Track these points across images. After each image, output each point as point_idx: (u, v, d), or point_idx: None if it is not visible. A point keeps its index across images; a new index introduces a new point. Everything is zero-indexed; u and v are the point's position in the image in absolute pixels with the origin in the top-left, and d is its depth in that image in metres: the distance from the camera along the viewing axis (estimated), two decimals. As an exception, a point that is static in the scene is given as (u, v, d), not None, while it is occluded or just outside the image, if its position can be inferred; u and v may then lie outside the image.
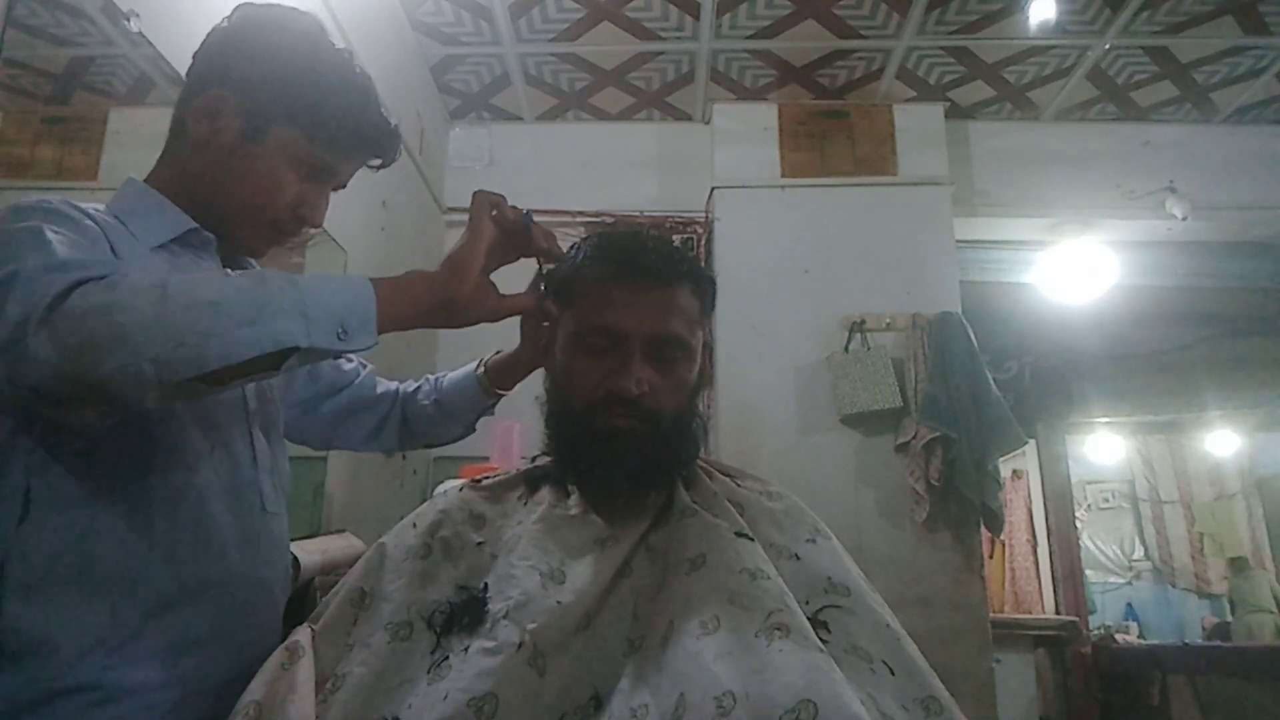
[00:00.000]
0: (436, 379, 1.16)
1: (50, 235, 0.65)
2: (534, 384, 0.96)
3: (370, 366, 1.17)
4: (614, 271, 0.87)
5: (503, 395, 1.12)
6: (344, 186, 0.91)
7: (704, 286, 0.92)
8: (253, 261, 0.94)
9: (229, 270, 0.78)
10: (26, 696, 0.65)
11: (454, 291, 0.77)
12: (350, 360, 1.13)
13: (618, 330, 0.85)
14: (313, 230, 0.89)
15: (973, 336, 2.54)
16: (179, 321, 0.60)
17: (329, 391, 1.12)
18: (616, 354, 0.85)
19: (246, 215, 0.84)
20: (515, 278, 0.90)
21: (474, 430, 1.19)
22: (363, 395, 1.14)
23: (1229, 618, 5.74)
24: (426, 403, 1.14)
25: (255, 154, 0.82)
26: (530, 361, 1.04)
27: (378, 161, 0.92)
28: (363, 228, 2.15)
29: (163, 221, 0.80)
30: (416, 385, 1.17)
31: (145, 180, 0.84)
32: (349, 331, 0.67)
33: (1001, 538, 4.37)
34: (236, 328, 0.61)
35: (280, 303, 0.64)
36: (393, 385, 1.17)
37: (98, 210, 0.77)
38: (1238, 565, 5.84)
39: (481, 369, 1.11)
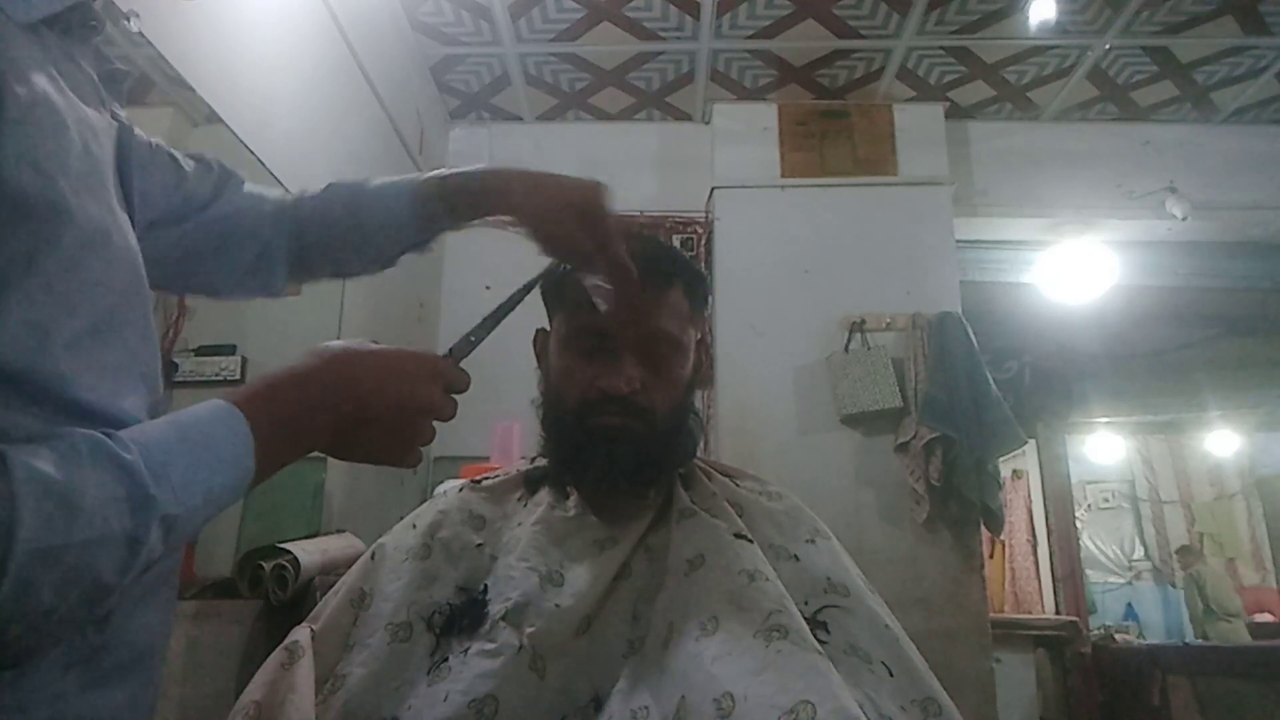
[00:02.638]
0: (349, 184, 0.81)
1: None
2: (530, 387, 0.96)
3: (238, 174, 0.79)
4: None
5: (455, 227, 0.82)
6: None
7: (694, 284, 0.91)
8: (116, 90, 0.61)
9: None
10: None
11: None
12: (192, 161, 0.74)
13: (606, 330, 0.85)
14: None
15: (973, 336, 2.54)
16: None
17: (182, 211, 0.72)
18: (607, 353, 0.85)
19: None
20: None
21: (392, 264, 0.83)
22: (239, 214, 0.76)
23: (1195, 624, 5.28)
24: (334, 210, 0.80)
25: None
26: (531, 223, 0.76)
27: None
28: (363, 228, 2.15)
29: None
30: (310, 193, 0.81)
31: None
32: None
33: (1001, 538, 4.37)
34: None
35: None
36: (270, 195, 0.80)
37: None
38: (1186, 554, 5.53)
39: (435, 187, 0.78)
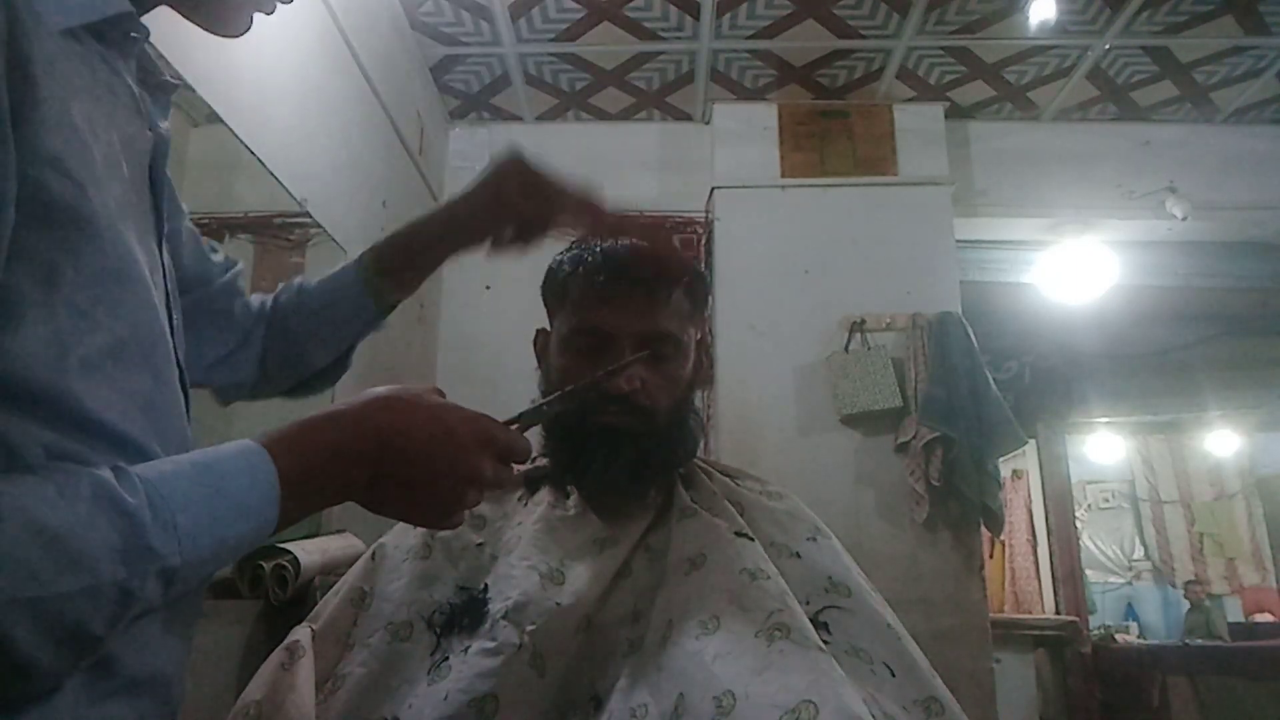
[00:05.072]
0: (307, 282, 0.84)
1: None
2: (531, 387, 0.96)
3: (240, 264, 0.80)
4: (602, 272, 0.87)
5: (396, 301, 0.86)
6: None
7: (695, 284, 0.92)
8: (168, 80, 0.63)
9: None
10: None
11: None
12: (217, 249, 0.77)
13: (607, 329, 0.85)
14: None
15: (973, 336, 2.54)
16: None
17: (192, 280, 0.73)
18: (608, 353, 0.85)
19: None
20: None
21: (347, 366, 0.87)
22: (226, 300, 0.77)
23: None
24: (287, 311, 0.82)
25: None
26: (476, 227, 0.80)
27: None
28: (363, 228, 2.15)
29: None
30: (275, 293, 0.84)
31: None
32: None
33: (1001, 538, 4.37)
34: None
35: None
36: (255, 296, 0.83)
37: None
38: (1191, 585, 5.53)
39: (370, 256, 0.82)
